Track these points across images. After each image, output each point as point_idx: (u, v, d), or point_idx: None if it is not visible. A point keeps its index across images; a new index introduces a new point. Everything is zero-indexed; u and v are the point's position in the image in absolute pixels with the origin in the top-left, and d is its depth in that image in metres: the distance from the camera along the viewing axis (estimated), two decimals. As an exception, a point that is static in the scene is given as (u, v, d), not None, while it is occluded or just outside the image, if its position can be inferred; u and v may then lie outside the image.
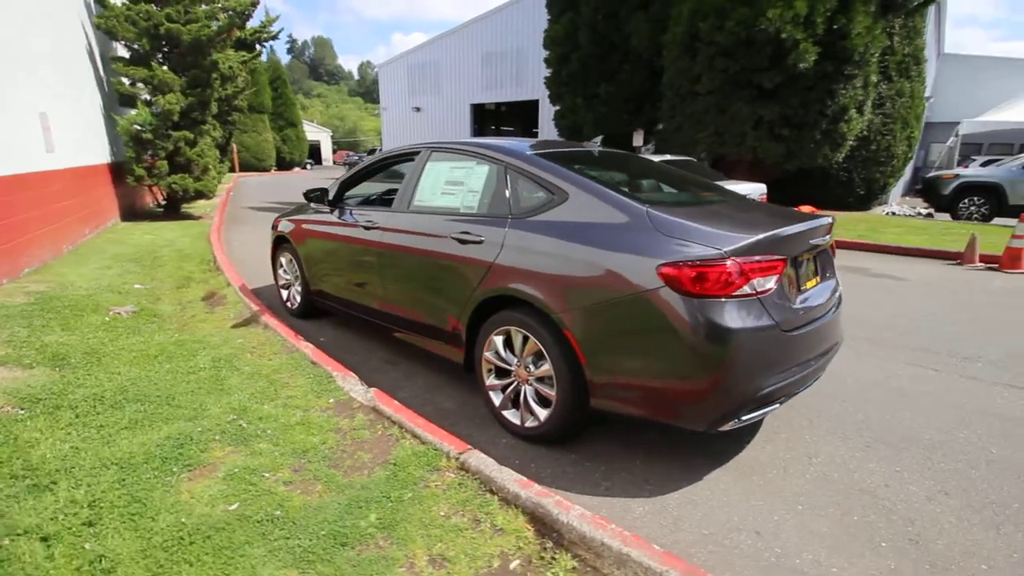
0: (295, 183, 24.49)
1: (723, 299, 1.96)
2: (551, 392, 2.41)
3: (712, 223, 2.16)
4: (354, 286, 3.66)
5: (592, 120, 11.59)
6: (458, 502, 2.02)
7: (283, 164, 35.26)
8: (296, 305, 4.48)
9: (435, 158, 3.18)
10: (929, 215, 11.34)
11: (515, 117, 30.30)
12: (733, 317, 1.97)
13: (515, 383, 2.62)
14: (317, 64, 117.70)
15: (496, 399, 2.70)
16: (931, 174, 11.44)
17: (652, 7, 10.11)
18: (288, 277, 4.58)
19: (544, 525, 1.88)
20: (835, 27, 8.28)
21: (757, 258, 2.02)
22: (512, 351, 2.59)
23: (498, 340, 2.61)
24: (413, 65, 26.31)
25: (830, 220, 2.53)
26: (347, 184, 3.93)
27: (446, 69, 24.96)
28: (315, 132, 50.54)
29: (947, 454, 2.50)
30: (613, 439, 2.61)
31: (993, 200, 9.89)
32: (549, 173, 2.54)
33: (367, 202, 4.23)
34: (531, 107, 23.59)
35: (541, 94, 21.50)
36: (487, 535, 1.87)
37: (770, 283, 2.06)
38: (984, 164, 17.23)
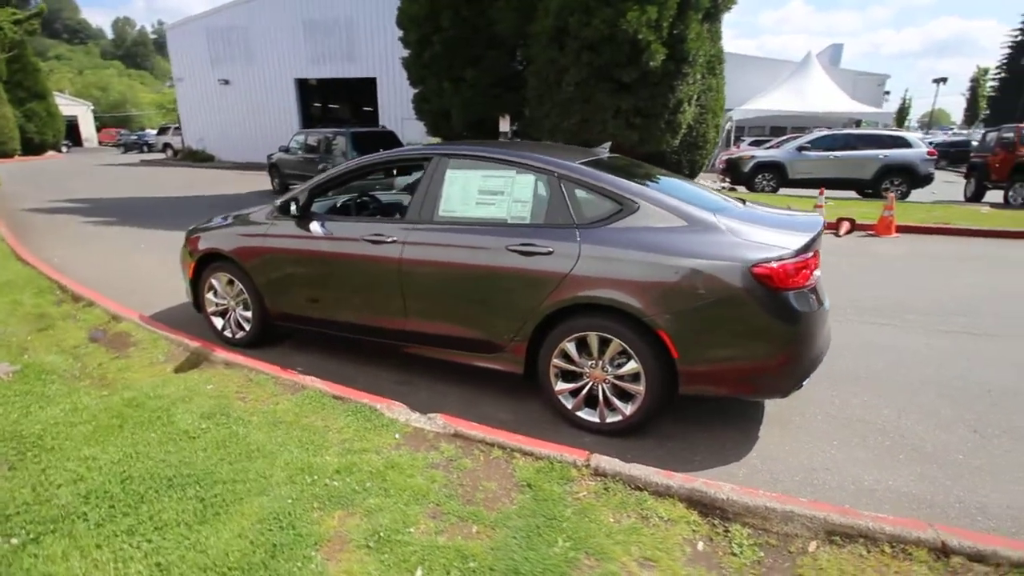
0: (60, 171, 19.50)
1: (797, 289, 2.40)
2: (636, 387, 2.62)
3: (770, 228, 2.57)
4: (352, 305, 3.32)
5: (460, 104, 11.56)
6: (617, 505, 2.14)
7: (31, 147, 27.50)
8: (243, 333, 3.83)
9: (455, 166, 3.04)
10: (732, 189, 14.04)
11: (345, 95, 28.27)
12: (803, 303, 2.42)
13: (587, 384, 2.76)
14: (52, 17, 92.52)
15: (567, 402, 2.81)
16: (735, 155, 14.14)
17: (514, -4, 10.42)
18: (224, 302, 3.87)
19: (704, 506, 2.13)
20: (675, 32, 9.61)
21: (808, 255, 2.48)
22: (584, 355, 2.72)
23: (570, 346, 2.71)
24: (215, 29, 22.66)
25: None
26: (316, 193, 3.48)
27: (259, 36, 22.07)
28: (69, 106, 40.23)
29: (898, 383, 3.39)
30: (665, 421, 2.93)
31: (778, 175, 12.71)
32: (614, 184, 2.68)
33: (343, 212, 3.82)
34: (365, 85, 22.27)
35: (380, 72, 20.61)
36: (662, 528, 2.05)
37: (815, 274, 2.55)
38: (751, 144, 21.78)
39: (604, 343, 2.64)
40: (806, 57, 24.83)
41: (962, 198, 13.28)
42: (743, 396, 2.65)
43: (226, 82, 23.24)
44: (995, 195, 12.34)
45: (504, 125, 12.03)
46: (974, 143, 25.14)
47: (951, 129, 47.07)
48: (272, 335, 3.86)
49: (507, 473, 2.35)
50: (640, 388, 2.61)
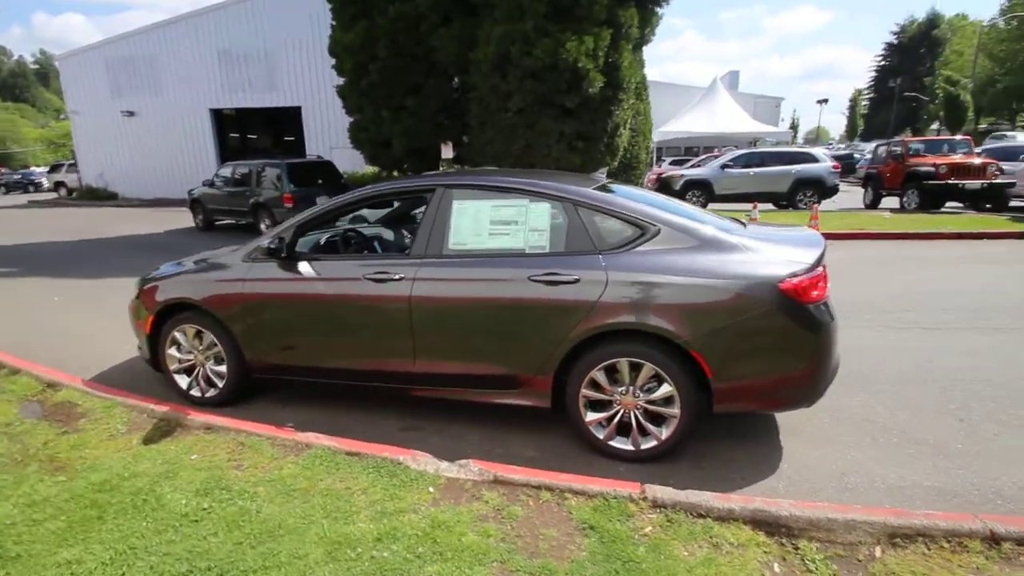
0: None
1: (817, 302, 2.50)
2: (670, 410, 2.61)
3: (784, 245, 2.67)
4: (352, 350, 3.07)
5: (400, 132, 11.37)
6: (686, 537, 2.08)
7: None
8: (214, 391, 3.43)
9: (462, 196, 2.93)
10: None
11: (266, 125, 27.07)
12: (823, 313, 2.53)
13: (618, 412, 2.71)
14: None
15: (599, 432, 2.74)
16: (665, 175, 14.98)
17: (454, 24, 10.48)
18: (191, 357, 3.46)
19: (769, 525, 2.12)
20: (610, 60, 10.10)
21: (820, 269, 2.61)
22: (614, 382, 2.67)
23: (599, 374, 2.66)
24: (116, 59, 20.99)
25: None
26: (302, 231, 3.23)
27: (169, 66, 20.68)
28: (-67, 143, 35.33)
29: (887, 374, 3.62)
30: (690, 442, 2.93)
31: (706, 192, 13.59)
32: (633, 209, 2.69)
33: (329, 251, 3.56)
34: (288, 115, 21.44)
35: (305, 100, 19.96)
36: (736, 555, 2.01)
37: (827, 286, 2.69)
38: (671, 163, 23.25)
39: (635, 368, 2.61)
40: (712, 83, 27.01)
41: (861, 205, 14.85)
42: (772, 410, 2.72)
43: (131, 114, 21.46)
44: (888, 201, 13.92)
45: (447, 152, 11.98)
46: (856, 155, 28.51)
47: (830, 144, 53.18)
48: (246, 392, 3.48)
49: (563, 516, 2.22)
50: (675, 411, 2.59)
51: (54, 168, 27.38)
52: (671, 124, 25.04)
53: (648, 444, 2.67)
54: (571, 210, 2.74)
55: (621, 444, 2.72)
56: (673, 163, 23.17)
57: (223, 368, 3.37)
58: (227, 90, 20.51)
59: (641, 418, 2.67)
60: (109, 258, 9.27)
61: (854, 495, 2.42)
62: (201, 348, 3.41)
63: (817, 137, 59.60)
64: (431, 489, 2.42)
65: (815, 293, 2.48)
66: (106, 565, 1.96)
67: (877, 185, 14.27)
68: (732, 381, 2.52)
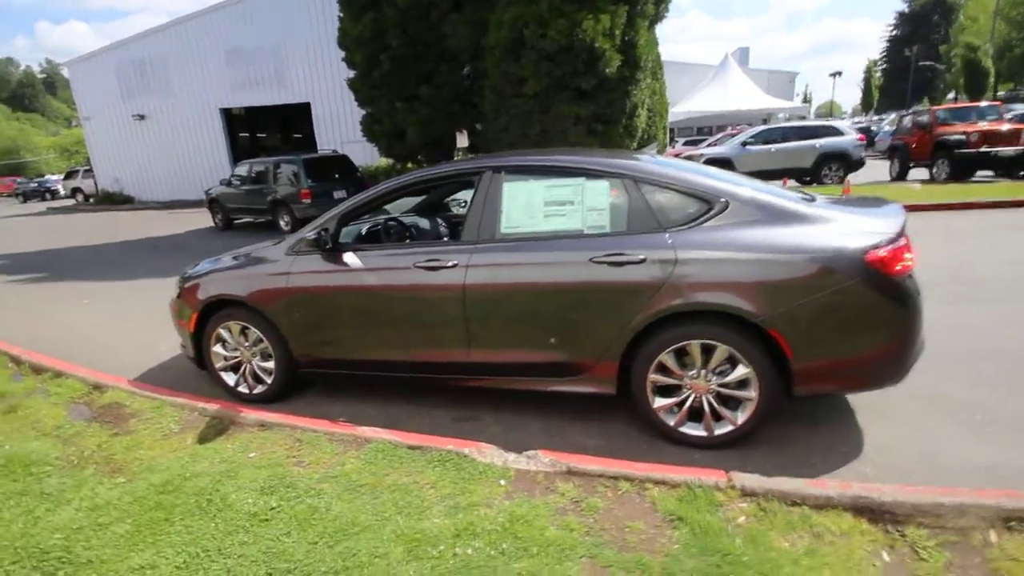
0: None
1: (906, 273, 2.35)
2: (746, 393, 2.48)
3: (863, 215, 2.52)
4: (403, 341, 2.98)
5: (416, 122, 11.23)
6: (784, 527, 1.97)
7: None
8: (262, 387, 3.37)
9: (511, 178, 2.80)
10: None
11: (275, 123, 27.06)
12: (912, 285, 2.37)
13: (689, 396, 2.59)
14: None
15: (669, 419, 2.62)
16: (684, 155, 14.69)
17: (465, 9, 10.28)
18: (237, 354, 3.40)
19: (872, 511, 1.99)
20: (626, 39, 9.83)
21: (904, 239, 2.45)
22: (684, 365, 2.55)
23: (668, 358, 2.54)
24: (127, 62, 21.03)
25: None
26: (345, 221, 3.13)
27: (178, 67, 20.69)
28: (-51, 154, 35.90)
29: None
30: (765, 425, 2.81)
31: (729, 170, 13.29)
32: (698, 183, 2.54)
33: (372, 240, 3.46)
34: (297, 111, 21.38)
35: (314, 96, 19.86)
36: (841, 545, 1.89)
37: (913, 257, 2.52)
38: (685, 143, 22.84)
39: (707, 351, 2.49)
40: (724, 59, 26.44)
41: (887, 178, 14.45)
42: (856, 390, 2.59)
43: (142, 117, 21.56)
44: (916, 172, 13.52)
45: (462, 141, 11.83)
46: (874, 128, 27.77)
47: (843, 117, 51.75)
48: (293, 386, 3.42)
49: (646, 508, 2.12)
50: (752, 394, 2.47)
51: (70, 175, 27.67)
52: (682, 104, 24.58)
53: (723, 430, 2.55)
54: (632, 187, 2.60)
55: (693, 430, 2.60)
56: (687, 143, 22.75)
57: (270, 364, 3.30)
58: (236, 89, 20.48)
59: (714, 402, 2.55)
60: (133, 261, 9.30)
61: (950, 477, 2.28)
62: (247, 344, 3.34)
63: (830, 111, 58.31)
64: (502, 482, 2.32)
65: (901, 265, 2.33)
66: (180, 569, 1.90)
67: (904, 156, 13.85)
68: (814, 361, 2.39)
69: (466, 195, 4.72)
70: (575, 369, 2.70)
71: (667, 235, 2.48)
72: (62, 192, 29.34)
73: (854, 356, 2.39)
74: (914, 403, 2.90)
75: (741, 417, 2.52)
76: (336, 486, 2.36)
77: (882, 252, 2.28)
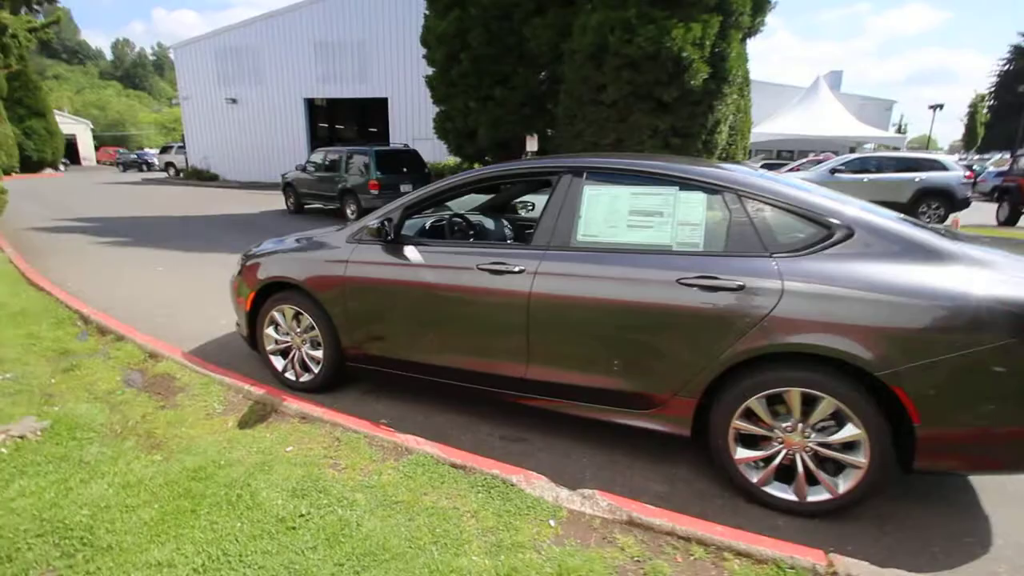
0: (61, 189, 18.91)
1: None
2: (852, 457, 2.08)
3: (1019, 257, 2.06)
4: (457, 347, 2.77)
5: (487, 123, 11.18)
6: (903, 640, 1.57)
7: (29, 165, 26.97)
8: (309, 376, 3.25)
9: (594, 182, 2.53)
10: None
11: (353, 115, 28.10)
12: None
13: (780, 452, 2.21)
14: (51, 38, 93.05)
15: (752, 475, 2.25)
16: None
17: (548, 13, 10.13)
18: (288, 339, 3.30)
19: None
20: (716, 50, 9.32)
21: None
22: (777, 415, 2.18)
23: (759, 404, 2.17)
24: (224, 49, 22.42)
25: None
26: (410, 213, 2.95)
27: (270, 57, 21.83)
28: (68, 124, 39.80)
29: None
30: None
31: (811, 198, 12.38)
32: (818, 205, 2.18)
33: (436, 236, 3.29)
34: (375, 105, 22.04)
35: (392, 92, 20.39)
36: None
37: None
38: (762, 166, 21.66)
39: (809, 401, 2.11)
40: (815, 82, 24.96)
41: (993, 222, 13.02)
42: (995, 471, 2.13)
43: (234, 101, 22.91)
44: (1031, 219, 12.08)
45: (532, 144, 11.65)
46: (976, 167, 25.30)
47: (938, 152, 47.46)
48: (339, 379, 3.29)
49: (724, 583, 1.77)
50: (860, 460, 2.06)
51: (164, 149, 29.84)
52: (765, 124, 23.32)
53: (817, 497, 2.16)
54: (734, 202, 2.26)
55: (780, 492, 2.22)
56: (764, 166, 21.56)
57: (319, 353, 3.19)
58: (321, 80, 21.36)
59: (810, 463, 2.16)
60: (209, 234, 9.73)
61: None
62: (299, 331, 3.24)
63: (926, 145, 54.03)
64: (552, 523, 2.04)
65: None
66: (198, 572, 1.74)
67: (1016, 200, 12.45)
68: (946, 429, 1.96)
69: (535, 198, 4.50)
70: (645, 402, 2.38)
71: (773, 261, 2.13)
72: (157, 165, 31.71)
73: (1000, 430, 1.93)
74: (1059, 495, 2.38)
75: (843, 485, 2.12)
76: (370, 499, 2.16)
77: (1057, 309, 1.83)
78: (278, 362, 3.36)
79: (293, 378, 3.31)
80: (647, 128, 9.89)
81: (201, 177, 23.70)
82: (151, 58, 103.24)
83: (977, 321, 1.87)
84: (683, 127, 9.99)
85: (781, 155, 27.03)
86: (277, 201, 14.50)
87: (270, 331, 3.34)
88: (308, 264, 3.11)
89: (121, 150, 43.31)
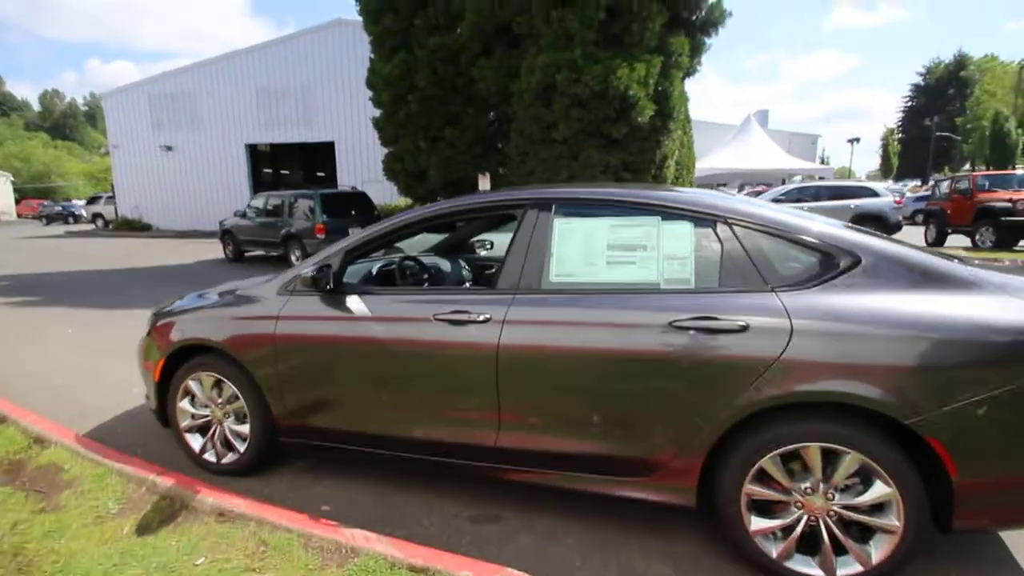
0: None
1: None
2: (883, 521, 1.78)
3: None
4: (415, 414, 2.33)
5: (438, 163, 10.97)
6: None
7: (-65, 221, 24.55)
8: (233, 456, 2.71)
9: (565, 213, 2.23)
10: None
11: (298, 160, 27.47)
12: None
13: (801, 518, 1.88)
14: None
15: (770, 547, 1.91)
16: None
17: (495, 55, 10.18)
18: (207, 413, 2.76)
19: None
20: (659, 88, 9.59)
21: None
22: (793, 474, 1.87)
23: (773, 464, 1.85)
24: (159, 95, 21.55)
25: None
26: (352, 257, 2.55)
27: (208, 102, 21.11)
28: (-16, 177, 37.03)
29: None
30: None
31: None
32: (821, 232, 1.95)
33: (385, 282, 2.89)
34: (321, 149, 21.60)
35: (338, 135, 20.05)
36: None
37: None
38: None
39: (830, 457, 1.81)
40: (746, 120, 26.59)
41: (920, 243, 13.84)
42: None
43: (169, 148, 21.85)
44: (955, 239, 12.90)
45: (484, 184, 11.50)
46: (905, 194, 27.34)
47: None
48: (272, 456, 2.76)
49: None
50: (893, 523, 1.76)
51: (92, 200, 28.03)
52: (705, 160, 24.46)
53: (848, 570, 1.83)
54: (725, 231, 2.00)
55: (805, 568, 1.87)
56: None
57: (245, 428, 2.66)
58: (264, 126, 20.77)
59: (836, 529, 1.84)
60: (132, 288, 8.84)
61: None
62: (220, 401, 2.71)
63: (848, 176, 58.61)
64: (542, 640, 1.61)
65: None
66: None
67: (941, 222, 13.31)
68: (988, 479, 1.70)
69: (494, 236, 4.18)
70: (640, 467, 2.02)
71: (777, 296, 1.86)
72: (84, 217, 29.67)
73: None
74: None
75: (876, 553, 1.80)
76: (305, 628, 1.65)
77: (1093, 337, 1.63)
78: (195, 441, 2.80)
79: (214, 460, 2.74)
80: (599, 164, 9.95)
81: (132, 228, 22.24)
82: (83, 108, 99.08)
83: (1014, 353, 1.64)
84: (633, 162, 10.13)
85: (719, 188, 28.36)
86: (215, 249, 13.61)
87: (185, 404, 2.78)
88: (229, 323, 2.61)
89: (45, 203, 40.49)
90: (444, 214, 2.50)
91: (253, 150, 21.97)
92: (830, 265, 1.88)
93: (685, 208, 2.07)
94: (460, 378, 2.20)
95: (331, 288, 2.40)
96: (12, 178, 44.34)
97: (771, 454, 1.84)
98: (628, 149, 9.90)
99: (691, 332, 1.87)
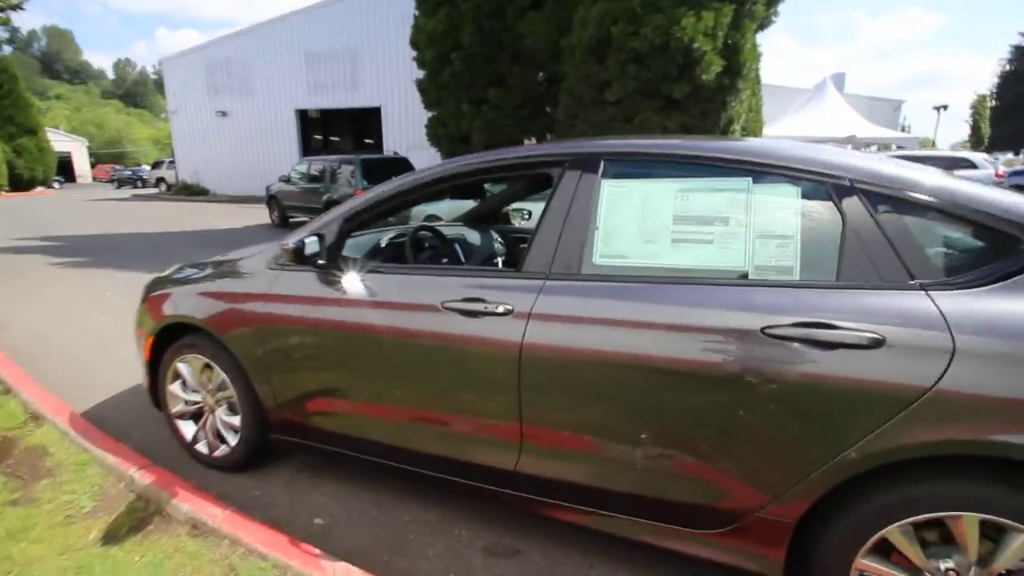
0: (45, 207, 18.22)
1: None
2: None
3: None
4: (416, 420, 1.90)
5: (481, 126, 10.41)
6: None
7: (19, 183, 26.37)
8: (225, 449, 2.38)
9: (616, 174, 1.67)
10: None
11: (346, 126, 27.48)
12: None
13: (938, 608, 1.32)
14: (53, 59, 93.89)
15: (889, 646, 1.37)
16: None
17: (545, 6, 9.38)
18: (198, 399, 2.44)
19: None
20: (729, 42, 8.53)
21: None
22: (929, 549, 1.31)
23: (903, 535, 1.29)
24: (214, 61, 21.80)
25: None
26: (351, 226, 2.09)
27: (259, 68, 21.18)
28: (63, 141, 39.47)
29: None
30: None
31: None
32: (992, 199, 1.31)
33: (392, 257, 2.44)
34: (368, 115, 21.33)
35: (385, 101, 19.69)
36: None
37: None
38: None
39: (991, 534, 1.23)
40: (821, 83, 24.23)
41: None
42: None
43: (224, 114, 22.24)
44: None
45: (530, 149, 10.87)
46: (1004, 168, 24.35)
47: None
48: (268, 453, 2.43)
49: None
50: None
51: (155, 165, 29.24)
52: (772, 126, 22.46)
53: None
54: (851, 200, 1.39)
55: None
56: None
57: (236, 420, 2.32)
58: (312, 91, 20.68)
59: (994, 632, 1.28)
60: (179, 252, 8.90)
61: None
62: (211, 388, 2.38)
63: (933, 145, 53.35)
64: None
65: None
66: None
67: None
68: None
69: (533, 205, 3.62)
70: (707, 518, 1.51)
71: (929, 297, 1.26)
72: (150, 180, 31.09)
73: None
74: None
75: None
76: None
77: None
78: (187, 429, 2.50)
79: (206, 451, 2.44)
80: (656, 128, 9.07)
81: (191, 192, 23.00)
82: (152, 76, 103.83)
83: None
84: (695, 126, 9.18)
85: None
86: (264, 215, 13.72)
87: (175, 388, 2.47)
88: (212, 298, 2.24)
89: (117, 167, 42.82)
90: (460, 173, 1.98)
91: (303, 116, 22.02)
92: (1013, 253, 1.26)
93: (789, 166, 1.47)
94: (471, 384, 1.73)
95: (324, 263, 1.97)
96: (88, 143, 47.07)
97: (903, 521, 1.28)
98: (690, 111, 8.95)
99: (793, 344, 1.31)
